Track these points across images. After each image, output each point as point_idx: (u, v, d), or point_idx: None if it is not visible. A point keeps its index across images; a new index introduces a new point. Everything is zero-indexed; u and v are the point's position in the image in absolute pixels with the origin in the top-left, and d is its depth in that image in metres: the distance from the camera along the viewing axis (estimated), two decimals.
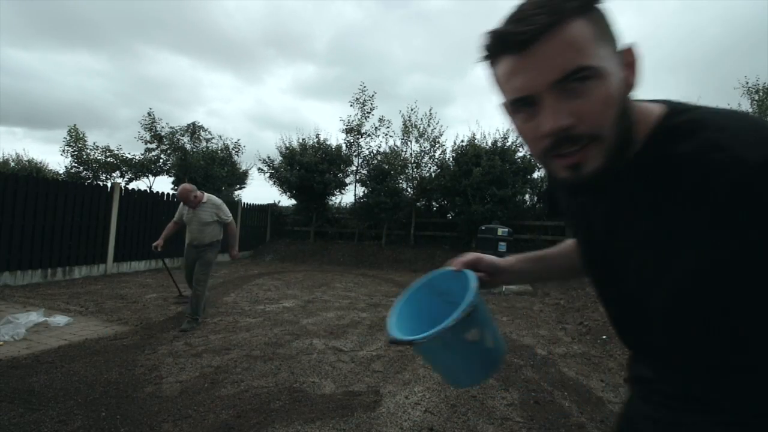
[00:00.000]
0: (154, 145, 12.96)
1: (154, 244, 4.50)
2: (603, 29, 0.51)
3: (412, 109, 12.25)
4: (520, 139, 11.37)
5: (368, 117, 12.35)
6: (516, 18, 0.49)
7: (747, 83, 13.35)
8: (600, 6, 0.51)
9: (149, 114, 12.82)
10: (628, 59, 0.53)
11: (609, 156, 0.50)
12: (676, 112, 0.53)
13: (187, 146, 13.08)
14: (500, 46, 0.50)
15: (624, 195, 0.55)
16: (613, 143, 0.50)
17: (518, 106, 0.52)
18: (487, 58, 0.54)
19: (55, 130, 46.90)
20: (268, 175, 12.56)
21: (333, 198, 13.06)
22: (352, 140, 12.39)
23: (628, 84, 0.53)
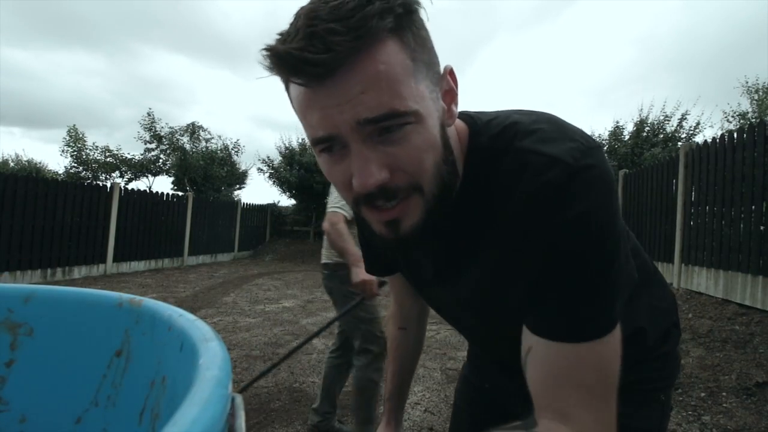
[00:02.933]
0: (153, 145, 12.97)
1: (370, 282, 1.81)
2: (420, 50, 0.40)
3: None
4: None
5: None
6: (309, 34, 0.35)
7: (747, 83, 13.37)
8: (416, 17, 0.40)
9: (149, 114, 12.84)
10: (448, 85, 0.45)
11: (430, 207, 0.43)
12: (478, 129, 0.49)
13: (187, 146, 13.09)
14: (289, 71, 0.37)
15: (454, 231, 0.51)
16: (435, 192, 0.43)
17: (321, 145, 0.41)
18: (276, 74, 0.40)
19: (52, 130, 46.90)
20: (267, 175, 12.58)
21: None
22: None
23: (450, 116, 0.45)
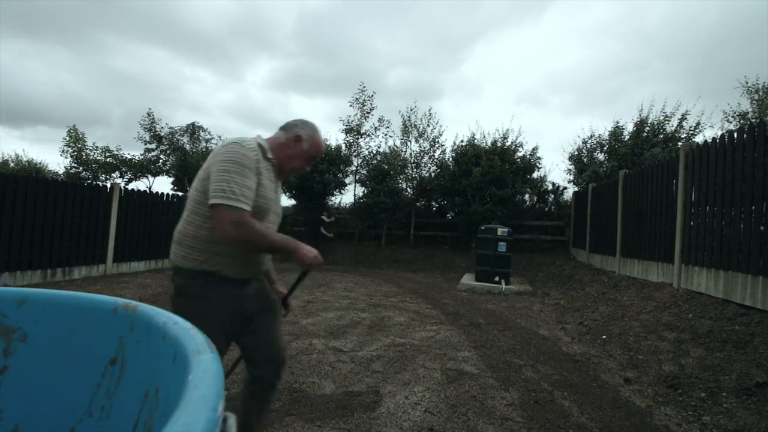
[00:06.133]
0: (153, 146, 12.96)
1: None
2: None
3: (411, 109, 12.27)
4: (519, 139, 11.36)
5: (368, 117, 12.36)
6: None
7: (747, 83, 13.36)
8: None
9: (149, 114, 12.83)
10: None
11: None
12: None
13: (187, 146, 13.09)
14: None
15: None
16: None
17: None
18: None
19: (26, 129, 46.03)
20: None
21: (332, 198, 13.07)
22: (351, 140, 12.40)
23: None
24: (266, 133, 1.67)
